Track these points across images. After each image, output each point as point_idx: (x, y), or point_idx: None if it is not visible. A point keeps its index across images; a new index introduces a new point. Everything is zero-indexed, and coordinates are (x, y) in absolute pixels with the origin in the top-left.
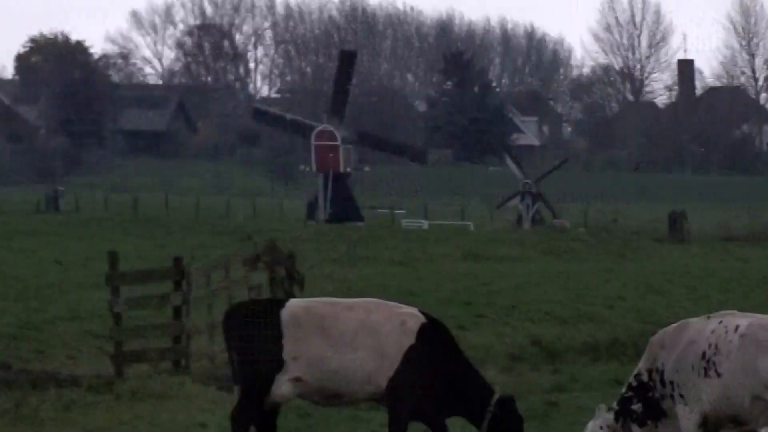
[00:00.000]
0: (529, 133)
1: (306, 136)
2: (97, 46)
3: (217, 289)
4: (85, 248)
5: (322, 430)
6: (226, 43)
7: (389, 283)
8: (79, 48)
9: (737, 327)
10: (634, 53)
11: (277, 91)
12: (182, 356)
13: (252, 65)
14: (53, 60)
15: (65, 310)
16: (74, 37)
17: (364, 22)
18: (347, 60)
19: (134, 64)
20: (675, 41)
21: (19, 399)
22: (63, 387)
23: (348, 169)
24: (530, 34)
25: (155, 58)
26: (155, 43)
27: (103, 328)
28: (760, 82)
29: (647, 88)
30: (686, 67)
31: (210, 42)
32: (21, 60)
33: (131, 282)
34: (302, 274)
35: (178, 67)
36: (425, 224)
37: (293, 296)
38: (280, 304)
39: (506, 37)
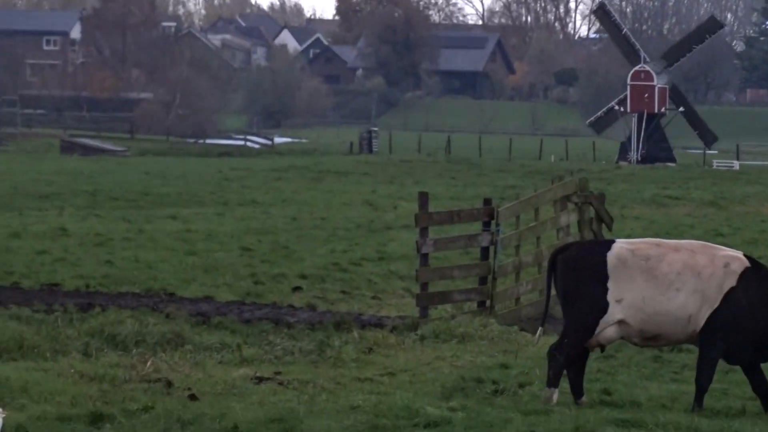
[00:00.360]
0: None
1: (630, 61)
2: None
3: (525, 229)
4: (396, 189)
5: (626, 371)
6: None
7: (697, 223)
8: None
9: None
10: None
11: (596, 31)
12: (487, 297)
13: (572, 5)
14: (374, 0)
15: (372, 252)
16: None
17: None
18: (710, 27)
19: (455, 4)
20: None
21: (323, 340)
22: (366, 328)
23: (662, 110)
24: None
25: None
26: None
27: (409, 269)
28: None
29: None
30: None
31: None
32: (341, 0)
33: (440, 223)
34: (611, 215)
35: (498, 6)
36: (736, 165)
37: (601, 237)
38: (607, 245)
39: None
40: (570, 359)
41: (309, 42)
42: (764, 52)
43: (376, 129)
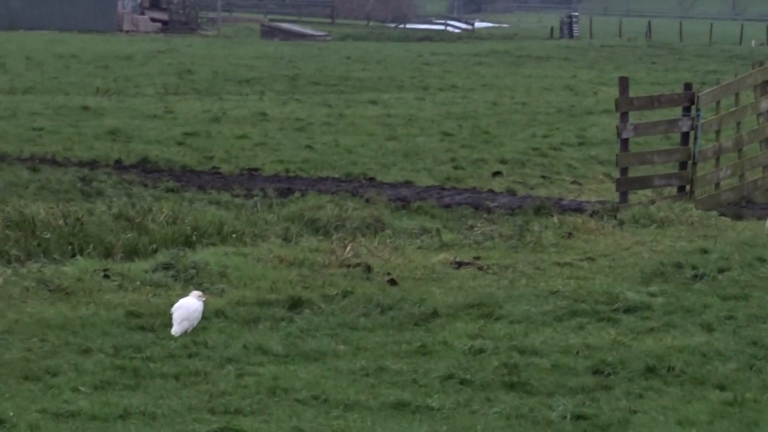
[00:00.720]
0: None
1: None
2: None
3: (725, 114)
4: (596, 74)
5: None
6: None
7: None
8: None
9: None
10: None
11: None
12: (687, 182)
13: None
14: None
15: (573, 136)
16: None
17: None
18: None
19: None
20: None
21: (523, 225)
22: (566, 213)
23: None
24: None
25: None
26: None
27: (609, 154)
28: None
29: None
30: None
31: None
32: None
33: (640, 107)
34: None
35: None
36: None
37: None
38: None
39: None
40: None
41: None
42: None
43: (576, 14)
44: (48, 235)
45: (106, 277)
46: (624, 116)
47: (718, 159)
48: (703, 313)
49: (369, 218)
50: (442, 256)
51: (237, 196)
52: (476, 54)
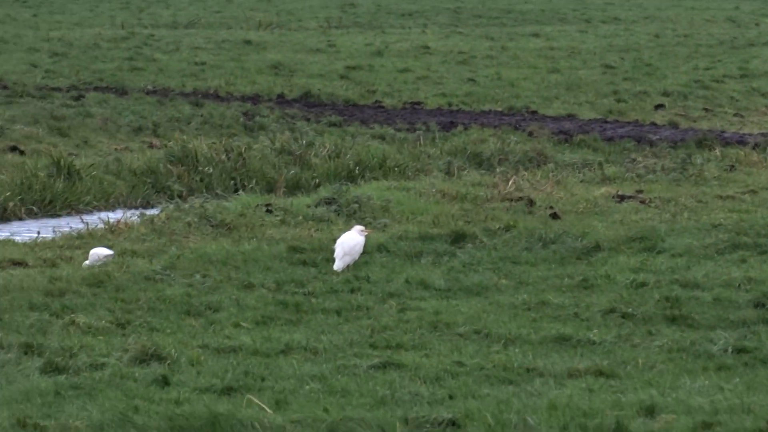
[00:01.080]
0: None
1: None
2: None
3: None
4: (759, 5)
5: None
6: None
7: None
8: None
9: None
10: None
11: None
12: None
13: None
14: None
15: (735, 68)
16: None
17: None
18: None
19: None
20: None
21: (685, 158)
22: (728, 146)
23: None
24: None
25: None
26: None
27: None
28: None
29: None
30: None
31: None
32: None
33: None
34: None
35: None
36: None
37: None
38: None
39: None
40: None
41: None
42: None
43: None
44: (210, 171)
45: (269, 212)
46: None
47: None
48: None
49: (531, 152)
50: (604, 189)
51: (399, 130)
52: None
